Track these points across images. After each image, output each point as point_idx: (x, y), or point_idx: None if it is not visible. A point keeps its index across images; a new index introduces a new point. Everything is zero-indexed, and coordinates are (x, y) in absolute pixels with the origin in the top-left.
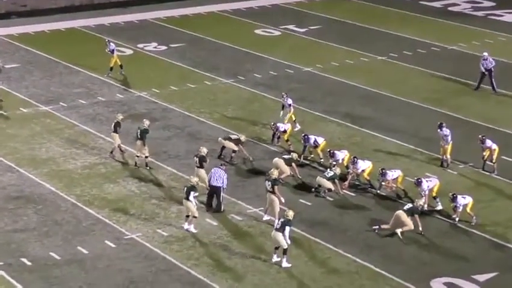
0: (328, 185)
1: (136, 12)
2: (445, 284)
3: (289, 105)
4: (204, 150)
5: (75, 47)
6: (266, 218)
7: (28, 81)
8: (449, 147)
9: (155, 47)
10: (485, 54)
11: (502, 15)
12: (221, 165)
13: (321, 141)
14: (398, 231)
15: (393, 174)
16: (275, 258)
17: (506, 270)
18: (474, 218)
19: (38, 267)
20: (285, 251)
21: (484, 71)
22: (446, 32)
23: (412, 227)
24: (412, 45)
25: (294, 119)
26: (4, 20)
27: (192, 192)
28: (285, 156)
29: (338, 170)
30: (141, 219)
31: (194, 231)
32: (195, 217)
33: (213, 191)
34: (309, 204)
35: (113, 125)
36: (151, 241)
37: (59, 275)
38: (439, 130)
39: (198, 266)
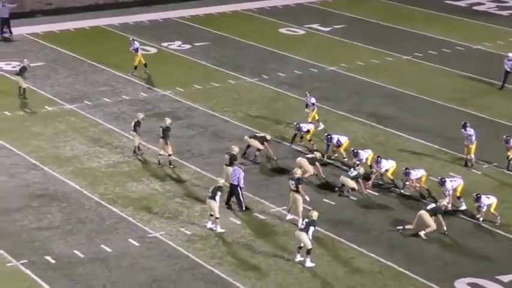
0: (352, 184)
1: (161, 10)
2: (469, 284)
3: (313, 104)
4: (235, 149)
5: (100, 45)
6: (289, 217)
7: (53, 80)
8: (473, 147)
9: (179, 46)
10: (511, 54)
11: None
12: (241, 164)
13: (344, 140)
14: (422, 233)
15: (417, 173)
16: (298, 258)
17: None
18: (498, 218)
19: (61, 265)
20: (308, 251)
21: (509, 70)
22: (471, 31)
23: (435, 228)
24: (437, 44)
25: (317, 118)
26: (29, 19)
27: (218, 193)
28: (309, 156)
29: (362, 170)
30: (165, 217)
31: (221, 230)
32: (217, 218)
33: (231, 189)
34: (333, 203)
35: (132, 124)
36: (175, 240)
37: (82, 273)
38: (463, 130)
39: (221, 265)
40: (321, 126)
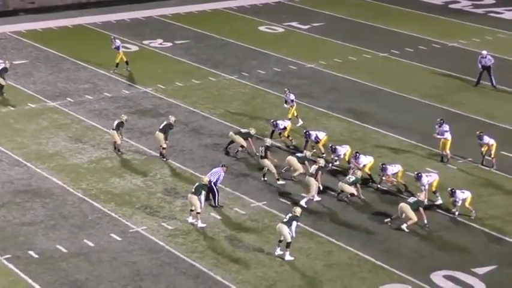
0: (351, 190)
1: (142, 9)
2: (444, 276)
3: (292, 100)
4: (268, 141)
5: (82, 43)
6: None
7: (36, 77)
8: (448, 143)
9: (160, 44)
10: (484, 52)
11: (501, 13)
12: (222, 165)
13: (322, 136)
14: (404, 226)
15: (393, 169)
16: (278, 251)
17: (505, 263)
18: (473, 212)
19: (45, 259)
20: (288, 245)
21: (481, 68)
22: (447, 29)
23: (416, 220)
24: (414, 42)
25: (296, 114)
26: (12, 17)
27: (202, 191)
28: (298, 155)
29: (359, 174)
30: (146, 212)
31: (202, 225)
32: (198, 213)
33: (209, 186)
34: (312, 199)
35: (115, 124)
36: (156, 234)
37: (65, 268)
38: (437, 126)
39: (202, 259)
40: (300, 122)
